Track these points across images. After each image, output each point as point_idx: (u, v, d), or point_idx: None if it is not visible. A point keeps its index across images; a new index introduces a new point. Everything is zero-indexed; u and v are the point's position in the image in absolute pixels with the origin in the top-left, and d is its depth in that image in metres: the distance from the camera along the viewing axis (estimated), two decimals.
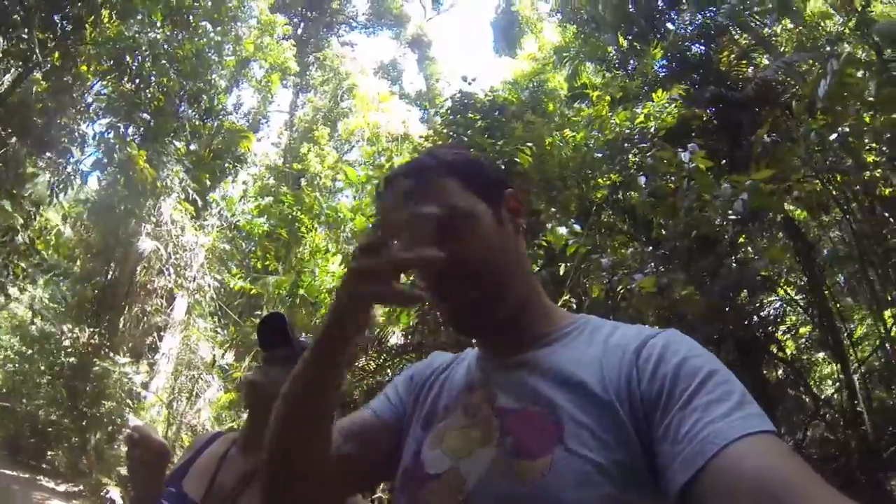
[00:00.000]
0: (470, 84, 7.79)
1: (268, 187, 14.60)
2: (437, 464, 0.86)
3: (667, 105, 6.87)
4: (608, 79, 8.61)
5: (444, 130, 7.64)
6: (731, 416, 0.67)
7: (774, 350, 6.12)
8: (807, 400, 6.01)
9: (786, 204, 5.66)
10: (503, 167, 6.54)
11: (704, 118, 7.12)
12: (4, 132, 6.83)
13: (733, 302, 5.73)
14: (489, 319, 0.90)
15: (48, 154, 8.43)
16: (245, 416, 1.68)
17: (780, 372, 6.33)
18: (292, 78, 15.94)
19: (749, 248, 6.04)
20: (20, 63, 6.23)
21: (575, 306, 5.76)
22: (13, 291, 9.14)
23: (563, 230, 5.49)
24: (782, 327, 6.48)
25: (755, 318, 5.95)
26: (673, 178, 5.37)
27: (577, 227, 5.53)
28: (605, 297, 5.57)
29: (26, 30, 5.38)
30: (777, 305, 6.51)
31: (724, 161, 6.60)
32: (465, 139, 6.97)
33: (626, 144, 6.90)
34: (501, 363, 0.91)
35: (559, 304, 5.61)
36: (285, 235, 11.20)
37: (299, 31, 17.75)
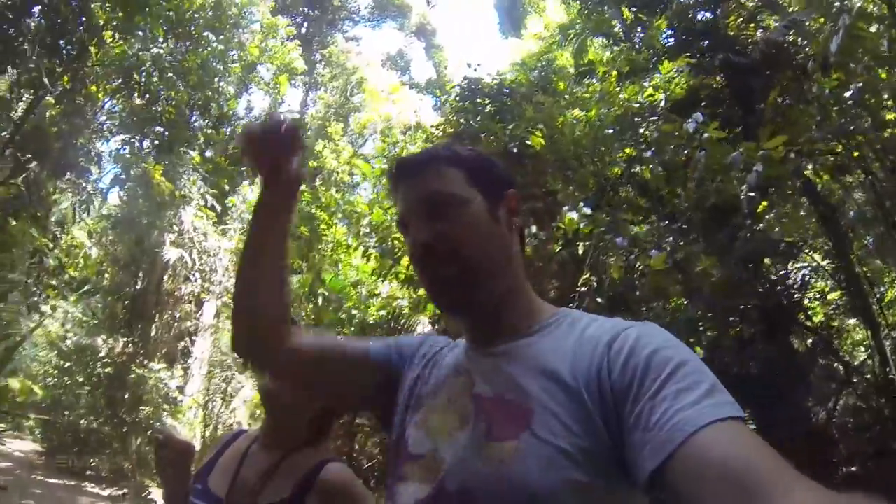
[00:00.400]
0: (475, 70, 7.72)
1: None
2: (420, 444, 0.92)
3: (674, 76, 6.77)
4: (615, 53, 8.50)
5: (454, 118, 7.61)
6: (700, 403, 0.68)
7: (802, 318, 6.00)
8: (838, 368, 5.91)
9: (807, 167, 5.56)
10: (515, 150, 6.51)
11: (714, 86, 7.00)
12: (23, 157, 7.01)
13: (756, 271, 5.65)
14: (464, 298, 0.94)
15: (68, 175, 8.62)
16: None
17: (808, 341, 6.22)
18: (300, 77, 16.00)
19: (770, 215, 5.95)
20: (31, 90, 6.37)
21: (595, 285, 5.74)
22: (46, 309, 9.44)
23: (573, 214, 5.45)
24: (809, 294, 6.36)
25: (780, 286, 5.83)
26: (685, 150, 5.28)
27: (586, 210, 5.46)
28: (625, 275, 5.55)
29: (34, 58, 5.50)
30: (803, 272, 6.37)
31: (738, 128, 6.48)
32: (475, 125, 6.94)
33: (636, 119, 6.83)
34: (484, 352, 0.95)
35: (579, 284, 5.61)
36: (306, 233, 11.25)
37: (303, 30, 17.75)
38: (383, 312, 8.05)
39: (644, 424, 0.70)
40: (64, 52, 6.08)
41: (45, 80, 5.98)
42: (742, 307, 5.53)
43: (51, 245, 8.76)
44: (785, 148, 4.33)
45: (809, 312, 6.23)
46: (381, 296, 8.36)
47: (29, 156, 7.04)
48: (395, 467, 0.95)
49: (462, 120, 7.25)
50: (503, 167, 1.07)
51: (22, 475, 7.99)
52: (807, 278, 6.24)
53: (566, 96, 7.84)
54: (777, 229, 5.63)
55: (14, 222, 6.92)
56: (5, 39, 5.12)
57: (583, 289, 5.63)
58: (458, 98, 7.75)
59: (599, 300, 5.82)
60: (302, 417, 1.53)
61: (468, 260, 0.92)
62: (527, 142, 6.39)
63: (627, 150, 6.50)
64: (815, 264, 6.22)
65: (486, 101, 7.38)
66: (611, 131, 6.92)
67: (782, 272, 6.01)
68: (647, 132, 6.21)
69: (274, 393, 1.52)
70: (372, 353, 1.08)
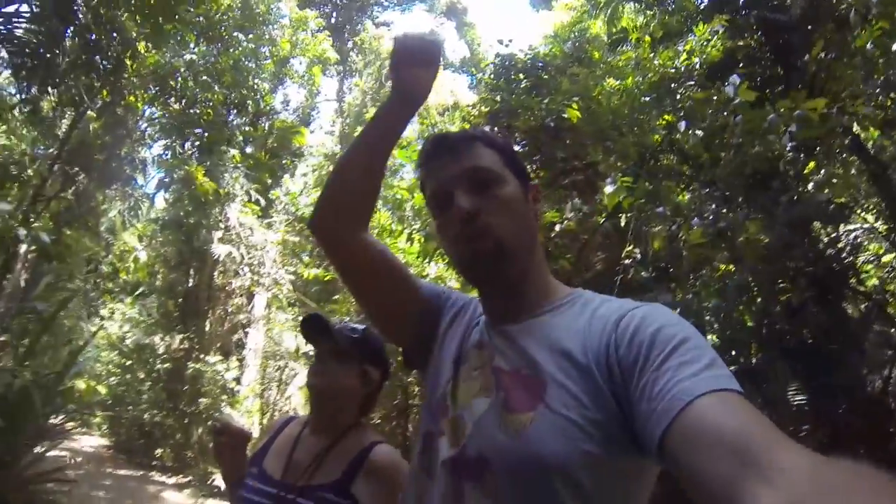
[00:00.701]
0: (506, 45, 7.61)
1: (328, 175, 14.72)
2: (451, 406, 0.98)
3: (710, 38, 6.54)
4: (648, 17, 8.26)
5: (489, 96, 7.54)
6: (699, 374, 0.71)
7: (855, 283, 5.77)
8: (894, 334, 5.67)
9: (854, 124, 5.30)
10: (552, 124, 6.43)
11: (752, 46, 6.72)
12: (72, 171, 7.31)
13: (805, 236, 5.45)
14: (498, 271, 0.97)
15: (115, 184, 8.95)
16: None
17: (862, 306, 5.99)
18: (334, 67, 16.08)
19: (818, 176, 5.72)
20: (73, 107, 6.63)
21: (639, 256, 5.66)
22: (104, 313, 9.90)
23: (609, 188, 5.36)
24: (862, 257, 6.11)
25: (830, 250, 5.62)
26: (723, 114, 5.11)
27: (626, 181, 5.37)
28: (669, 245, 5.44)
29: (72, 77, 5.72)
30: (855, 235, 6.11)
31: (779, 88, 6.22)
32: (511, 102, 6.85)
33: (672, 85, 6.64)
34: (501, 330, 0.99)
35: (622, 256, 5.54)
36: None
37: (332, 19, 17.77)
38: None
39: (648, 395, 0.73)
40: (100, 67, 6.29)
41: (85, 97, 6.21)
42: (792, 273, 5.36)
43: (104, 252, 9.16)
44: (828, 105, 4.14)
45: (863, 276, 5.97)
46: (430, 276, 8.41)
47: (76, 169, 7.35)
48: (434, 418, 1.00)
49: (497, 97, 7.16)
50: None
51: (92, 469, 8.44)
52: (859, 241, 5.98)
53: (601, 66, 7.68)
54: (826, 191, 5.42)
55: (68, 233, 7.25)
56: (45, 63, 5.33)
57: (627, 261, 5.56)
58: (491, 76, 7.67)
59: (644, 272, 5.74)
60: (344, 406, 1.61)
61: (506, 234, 0.96)
62: (563, 115, 6.29)
63: (666, 118, 6.35)
64: (867, 226, 5.94)
65: (521, 77, 7.27)
66: (648, 99, 6.77)
67: (833, 235, 5.78)
68: (684, 98, 6.03)
69: (319, 387, 1.61)
70: (422, 288, 1.15)
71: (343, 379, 1.60)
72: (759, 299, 5.90)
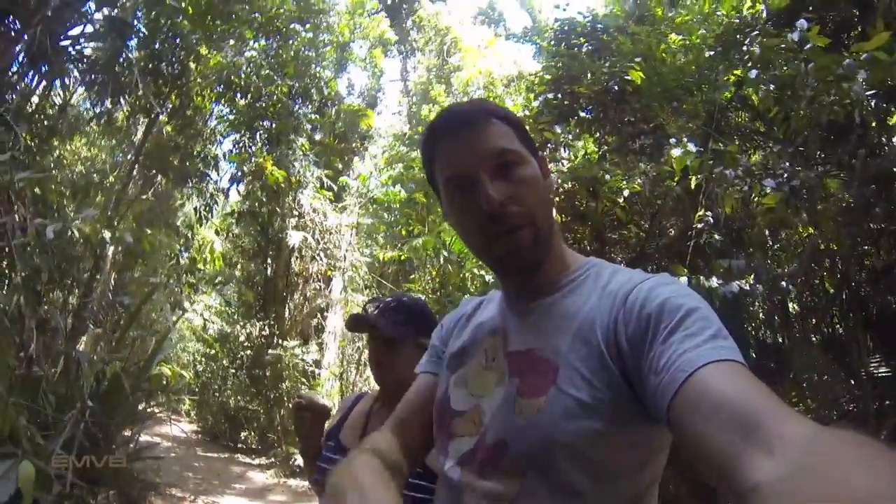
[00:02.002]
0: (564, 10, 7.41)
1: (398, 156, 14.89)
2: (463, 401, 1.00)
3: None
4: None
5: (550, 63, 7.39)
6: (702, 346, 0.72)
7: None
8: None
9: None
10: (616, 87, 6.26)
11: None
12: (149, 174, 7.78)
13: (887, 192, 5.10)
14: (534, 259, 0.96)
15: (190, 182, 9.41)
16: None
17: None
18: (395, 47, 16.13)
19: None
20: (145, 114, 7.05)
21: (711, 220, 5.48)
22: (187, 304, 10.49)
23: (677, 152, 5.19)
24: None
25: None
26: (793, 64, 4.80)
27: (691, 147, 5.16)
28: (742, 208, 5.24)
29: (141, 86, 6.07)
30: None
31: (855, 32, 5.78)
32: (573, 67, 6.71)
33: (738, 36, 6.31)
34: (519, 309, 1.01)
35: (695, 220, 5.38)
36: (423, 199, 11.40)
37: (388, 1, 17.77)
38: None
39: (655, 368, 0.75)
40: (166, 73, 6.64)
41: (155, 103, 6.58)
42: (874, 234, 5.06)
43: (183, 247, 9.67)
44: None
45: None
46: None
47: (154, 171, 7.81)
48: (442, 426, 1.03)
49: (559, 64, 7.01)
50: None
51: (181, 451, 9.00)
52: None
53: (664, 22, 7.37)
54: None
55: (149, 232, 7.73)
56: (113, 76, 5.70)
57: (699, 225, 5.41)
58: (552, 42, 7.51)
59: (717, 236, 5.57)
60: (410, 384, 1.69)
61: (538, 221, 0.94)
62: (627, 78, 6.12)
63: (735, 73, 6.06)
64: None
65: (582, 41, 7.08)
66: (713, 54, 6.47)
67: None
68: (752, 49, 5.71)
69: (380, 378, 1.69)
70: (435, 371, 1.13)
71: (399, 365, 1.62)
72: (839, 263, 5.62)
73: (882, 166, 4.52)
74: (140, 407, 4.12)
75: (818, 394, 5.44)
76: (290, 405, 1.99)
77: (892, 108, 5.09)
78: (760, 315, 6.63)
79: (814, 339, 6.29)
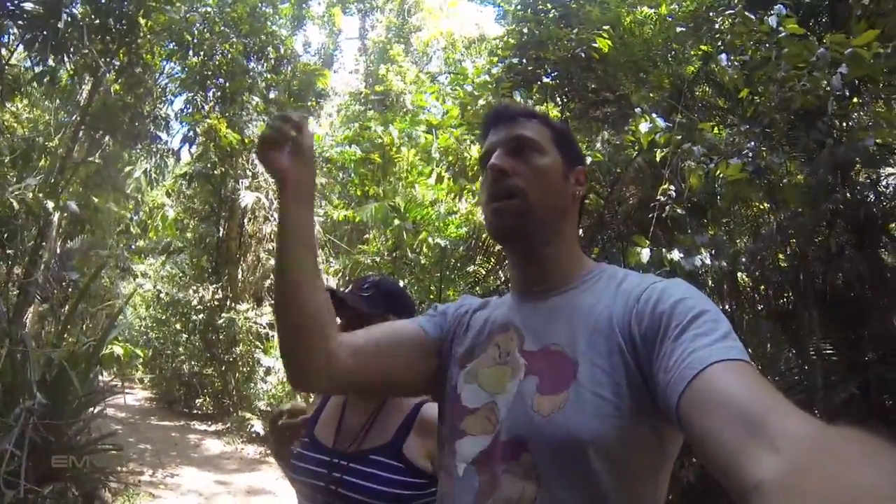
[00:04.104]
0: None
1: (354, 115, 14.63)
2: (475, 398, 1.00)
3: None
4: None
5: (516, 28, 7.28)
6: (712, 345, 0.74)
7: (893, 229, 5.59)
8: None
9: None
10: (583, 55, 6.21)
11: None
12: (96, 136, 7.35)
13: (845, 178, 5.25)
14: (516, 226, 1.01)
15: (140, 144, 8.98)
16: None
17: None
18: (354, 5, 15.64)
19: (859, 114, 5.45)
20: (90, 73, 6.60)
21: (674, 194, 5.54)
22: (138, 270, 10.15)
23: (645, 126, 5.19)
24: None
25: (870, 195, 5.42)
26: (765, 47, 4.83)
27: (660, 122, 5.19)
28: (705, 183, 5.30)
29: (86, 42, 5.67)
30: None
31: (823, 19, 5.84)
32: (539, 33, 6.62)
33: (711, 14, 6.30)
34: (532, 305, 1.03)
35: (658, 193, 5.42)
36: (378, 159, 11.24)
37: None
38: (464, 229, 8.04)
39: (665, 366, 0.77)
40: (113, 29, 6.21)
41: (101, 61, 6.17)
42: (829, 217, 5.20)
43: (133, 212, 9.31)
44: (878, 42, 3.85)
45: None
46: (461, 212, 8.36)
47: (101, 132, 7.39)
48: (452, 424, 1.02)
49: (525, 29, 6.92)
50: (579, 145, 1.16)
51: (137, 421, 8.87)
52: None
53: None
54: (868, 133, 5.16)
55: (96, 200, 7.37)
56: (56, 31, 5.29)
57: (662, 198, 5.47)
58: (518, 6, 7.38)
59: (679, 210, 5.64)
60: None
61: (529, 196, 1.00)
62: (594, 45, 6.07)
63: (703, 47, 6.08)
64: None
65: (549, 7, 6.98)
66: (684, 29, 6.45)
67: (874, 178, 5.54)
68: (723, 28, 5.71)
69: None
70: (427, 329, 1.12)
71: None
72: (794, 242, 5.77)
73: (846, 154, 4.61)
74: (92, 392, 3.92)
75: (767, 364, 5.63)
76: (268, 419, 1.89)
77: (856, 99, 5.19)
78: (710, 283, 6.81)
79: (760, 308, 6.49)
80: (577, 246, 1.08)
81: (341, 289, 1.75)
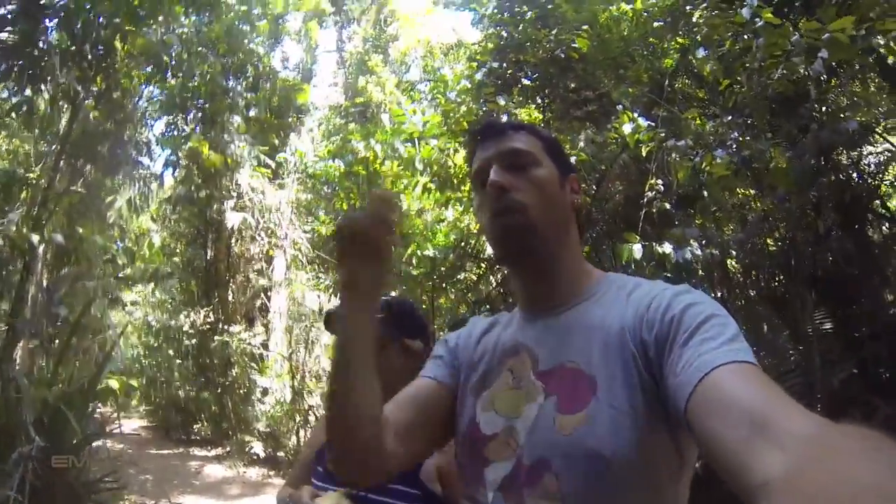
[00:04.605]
0: None
1: (335, 128, 14.57)
2: (493, 424, 0.98)
3: None
4: None
5: (494, 31, 7.30)
6: (719, 349, 0.75)
7: (878, 206, 5.65)
8: None
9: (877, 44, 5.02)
10: (562, 55, 6.23)
11: None
12: (77, 164, 7.26)
13: (829, 161, 5.31)
14: (523, 246, 1.00)
15: (122, 170, 8.90)
16: None
17: (884, 227, 5.85)
18: (330, 17, 15.60)
19: (836, 95, 5.50)
20: (68, 100, 6.52)
21: (663, 188, 5.56)
22: (127, 299, 10.02)
23: (628, 127, 5.22)
24: (888, 179, 5.93)
25: (854, 174, 5.48)
26: (743, 38, 4.87)
27: (642, 121, 5.22)
28: (692, 176, 5.33)
29: (64, 70, 5.61)
30: (878, 157, 5.91)
31: (796, 4, 5.90)
32: (517, 36, 6.64)
33: (687, 7, 6.36)
34: (541, 322, 1.02)
35: (645, 189, 5.43)
36: (362, 171, 11.20)
37: None
38: (453, 237, 8.02)
39: (674, 370, 0.78)
40: (90, 55, 6.14)
41: (79, 88, 6.10)
42: (816, 200, 5.26)
43: (119, 240, 9.21)
44: (855, 24, 3.89)
45: (885, 200, 5.83)
46: (448, 220, 8.34)
47: (82, 161, 7.30)
48: (475, 454, 0.99)
49: (504, 33, 6.94)
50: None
51: (135, 452, 8.74)
52: (882, 162, 5.79)
53: None
54: (847, 112, 5.21)
55: (81, 230, 7.28)
56: (32, 60, 5.23)
57: (650, 193, 5.49)
58: (495, 10, 7.40)
59: (668, 205, 5.66)
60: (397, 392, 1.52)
61: (532, 211, 0.99)
62: (573, 45, 6.10)
63: (680, 40, 6.12)
64: (891, 148, 5.73)
65: (525, 9, 7.00)
66: (661, 24, 6.50)
67: (856, 158, 5.60)
68: (699, 22, 5.76)
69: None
70: (441, 379, 1.10)
71: (385, 368, 1.33)
72: (782, 227, 5.82)
73: (830, 137, 4.65)
74: (90, 431, 3.82)
75: (762, 348, 5.66)
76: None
77: (833, 82, 5.25)
78: (699, 272, 6.85)
79: (752, 293, 6.54)
80: (581, 257, 1.08)
81: None
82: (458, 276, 8.57)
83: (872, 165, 5.72)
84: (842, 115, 4.99)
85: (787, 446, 0.56)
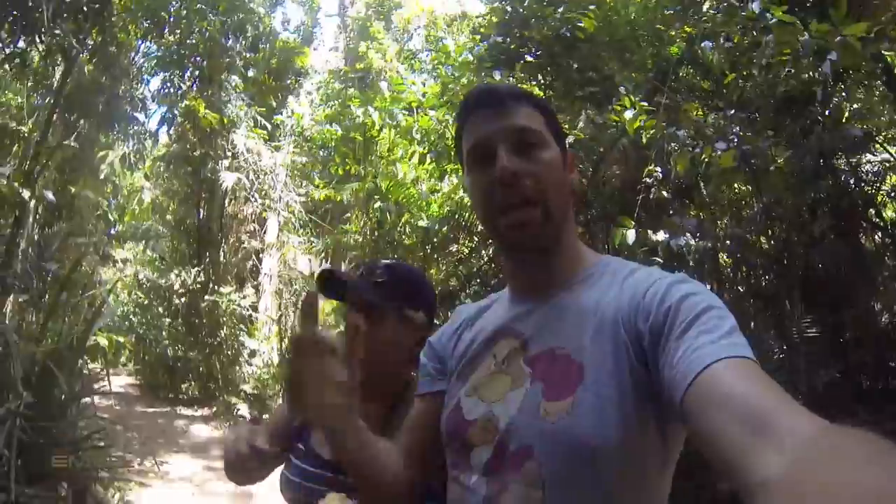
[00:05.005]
0: None
1: (334, 93, 14.40)
2: (474, 409, 0.97)
3: None
4: None
5: (499, 5, 7.20)
6: (716, 342, 0.73)
7: (873, 215, 5.67)
8: None
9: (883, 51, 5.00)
10: (567, 34, 6.16)
11: None
12: (71, 119, 7.15)
13: (828, 165, 5.31)
14: (540, 240, 0.96)
15: (116, 126, 8.78)
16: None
17: (877, 236, 5.89)
18: None
19: (841, 101, 5.48)
20: (63, 54, 6.38)
21: (661, 176, 5.56)
22: (118, 256, 9.96)
23: (629, 113, 5.19)
24: (885, 188, 5.94)
25: (851, 180, 5.49)
26: (753, 33, 4.82)
27: (644, 105, 5.18)
28: (691, 167, 5.33)
29: (58, 22, 5.48)
30: (877, 166, 5.91)
31: (808, 4, 5.84)
32: (522, 11, 6.55)
33: None
34: (536, 307, 0.99)
35: (643, 175, 5.43)
36: (359, 137, 11.10)
37: None
38: (447, 208, 8.00)
39: (670, 363, 0.76)
40: (86, 8, 6.00)
41: (74, 41, 5.97)
42: (812, 203, 5.27)
43: (111, 196, 9.12)
44: (867, 30, 3.86)
45: (881, 209, 5.85)
46: (443, 190, 8.30)
47: (76, 115, 7.18)
48: (459, 439, 0.98)
49: (508, 6, 6.84)
50: None
51: (123, 409, 8.77)
52: (880, 172, 5.80)
53: None
54: (850, 119, 5.21)
55: (73, 188, 7.20)
56: (25, 10, 5.10)
57: (647, 179, 5.49)
58: None
59: (665, 192, 5.67)
60: (393, 367, 1.38)
61: (549, 202, 0.94)
62: (579, 24, 6.03)
63: (688, 29, 6.06)
64: (890, 158, 5.74)
65: None
66: (670, 12, 6.43)
67: (855, 165, 5.61)
68: (710, 12, 5.69)
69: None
70: (435, 390, 1.09)
71: (381, 339, 1.32)
72: (777, 227, 5.85)
73: (832, 142, 4.65)
74: (78, 387, 3.84)
75: (750, 345, 5.74)
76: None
77: (839, 86, 5.22)
78: (690, 262, 6.88)
79: (741, 289, 6.58)
80: (576, 238, 1.04)
81: (353, 271, 1.54)
82: (451, 249, 8.58)
83: (871, 174, 5.72)
84: (844, 121, 4.98)
85: (787, 446, 0.56)
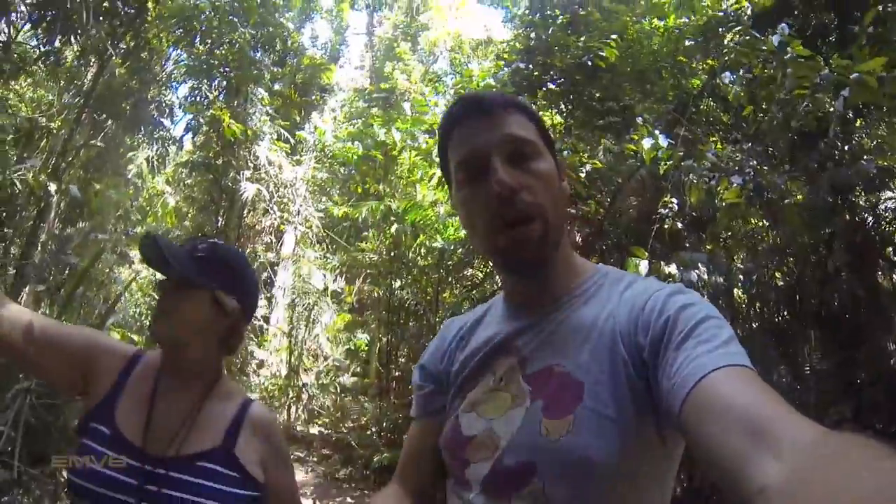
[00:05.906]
0: None
1: (357, 111, 14.59)
2: (473, 426, 0.95)
3: None
4: None
5: (524, 32, 7.30)
6: (714, 352, 0.73)
7: (890, 253, 5.61)
8: None
9: None
10: (589, 63, 6.22)
11: None
12: (99, 119, 7.32)
13: (845, 200, 5.28)
14: (541, 257, 0.93)
15: (142, 130, 8.96)
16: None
17: (895, 276, 5.83)
18: (363, 0, 15.67)
19: (861, 137, 5.47)
20: (96, 55, 6.57)
21: (677, 207, 5.55)
22: (136, 255, 10.04)
23: (647, 143, 5.21)
24: None
25: (869, 217, 5.45)
26: (773, 66, 4.83)
27: (662, 140, 5.21)
28: (706, 199, 5.32)
29: (94, 24, 5.65)
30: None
31: (830, 39, 5.85)
32: (546, 39, 6.64)
33: (720, 29, 6.32)
34: (533, 323, 0.97)
35: (658, 206, 5.42)
36: (380, 157, 11.20)
37: None
38: (463, 232, 8.03)
39: (668, 373, 0.75)
40: (122, 12, 6.19)
41: (108, 44, 6.15)
42: (828, 239, 5.23)
43: (133, 198, 9.25)
44: (885, 66, 3.85)
45: None
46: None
47: (104, 116, 7.36)
48: (457, 455, 0.96)
49: (532, 34, 6.93)
50: None
51: None
52: None
53: (641, 2, 7.38)
54: (871, 153, 5.18)
55: (97, 187, 7.34)
56: (65, 11, 5.28)
57: (663, 210, 5.48)
58: (527, 10, 7.42)
59: (680, 223, 5.65)
60: (197, 349, 1.29)
61: (549, 217, 0.91)
62: (601, 53, 6.09)
63: (710, 61, 6.10)
64: None
65: (557, 13, 7.01)
66: (692, 43, 6.48)
67: (874, 201, 5.57)
68: (730, 45, 5.73)
69: (159, 334, 1.26)
70: (429, 409, 1.08)
71: (187, 315, 1.25)
72: (790, 261, 5.80)
73: (848, 177, 4.63)
74: None
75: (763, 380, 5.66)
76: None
77: (859, 123, 5.22)
78: (705, 297, 6.81)
79: (755, 325, 6.51)
80: (571, 250, 1.02)
81: (174, 241, 1.45)
82: (465, 272, 8.58)
83: (890, 211, 5.67)
84: (864, 158, 4.96)
85: (786, 453, 0.55)
